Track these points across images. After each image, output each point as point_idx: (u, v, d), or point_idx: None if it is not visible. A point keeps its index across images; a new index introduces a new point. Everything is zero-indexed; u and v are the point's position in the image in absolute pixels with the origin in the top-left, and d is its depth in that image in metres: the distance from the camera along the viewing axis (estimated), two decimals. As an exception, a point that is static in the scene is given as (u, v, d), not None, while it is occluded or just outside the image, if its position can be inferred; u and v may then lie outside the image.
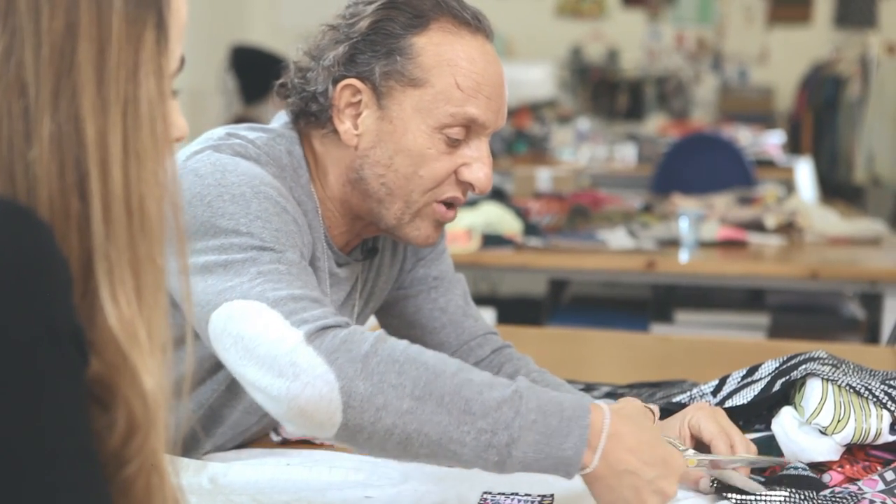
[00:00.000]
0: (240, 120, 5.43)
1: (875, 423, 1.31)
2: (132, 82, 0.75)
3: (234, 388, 1.41)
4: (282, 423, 1.20)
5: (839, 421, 1.32)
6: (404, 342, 1.18)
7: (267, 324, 1.17)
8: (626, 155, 6.03)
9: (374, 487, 1.31)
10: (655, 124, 7.42)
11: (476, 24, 1.41)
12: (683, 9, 8.69)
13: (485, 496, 1.30)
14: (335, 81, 1.39)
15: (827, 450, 1.32)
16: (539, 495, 1.30)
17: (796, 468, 1.32)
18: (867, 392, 1.34)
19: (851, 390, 1.36)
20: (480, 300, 2.06)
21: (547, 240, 3.34)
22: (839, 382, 1.37)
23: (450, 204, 1.42)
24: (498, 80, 1.41)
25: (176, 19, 0.80)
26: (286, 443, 1.52)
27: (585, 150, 6.05)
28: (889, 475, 1.25)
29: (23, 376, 0.67)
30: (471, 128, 1.40)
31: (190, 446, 1.43)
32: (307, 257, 1.36)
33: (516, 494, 1.30)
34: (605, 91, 8.57)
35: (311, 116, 1.42)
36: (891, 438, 1.32)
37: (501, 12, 8.55)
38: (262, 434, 1.53)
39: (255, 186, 1.30)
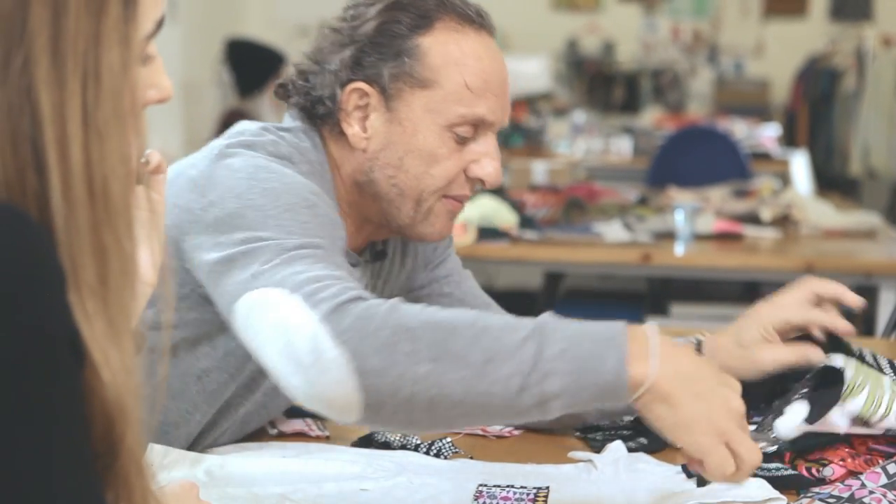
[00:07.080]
0: (234, 113, 5.40)
1: (888, 398, 1.31)
2: (92, 53, 0.70)
3: (251, 385, 1.40)
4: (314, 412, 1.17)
5: (856, 386, 1.31)
6: (419, 306, 1.14)
7: (287, 313, 1.14)
8: (622, 148, 6.02)
9: (370, 480, 1.31)
10: (651, 117, 7.41)
11: (480, 21, 1.42)
12: (679, 1, 8.67)
13: (480, 488, 1.30)
14: (342, 85, 1.39)
15: (836, 419, 1.31)
16: (535, 487, 1.30)
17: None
18: (890, 369, 1.39)
19: (875, 366, 1.40)
20: (476, 293, 2.05)
21: (543, 232, 3.33)
22: (864, 358, 1.41)
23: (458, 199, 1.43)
24: (503, 77, 1.43)
25: None
26: (282, 435, 1.52)
27: (581, 143, 6.03)
28: (892, 468, 1.24)
29: (17, 381, 0.66)
30: (479, 126, 1.41)
31: (193, 442, 1.42)
32: (342, 249, 1.33)
33: (511, 486, 1.30)
34: (600, 84, 8.56)
35: (318, 119, 1.42)
36: None
37: (497, 5, 8.48)
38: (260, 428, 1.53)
39: (287, 183, 1.30)
